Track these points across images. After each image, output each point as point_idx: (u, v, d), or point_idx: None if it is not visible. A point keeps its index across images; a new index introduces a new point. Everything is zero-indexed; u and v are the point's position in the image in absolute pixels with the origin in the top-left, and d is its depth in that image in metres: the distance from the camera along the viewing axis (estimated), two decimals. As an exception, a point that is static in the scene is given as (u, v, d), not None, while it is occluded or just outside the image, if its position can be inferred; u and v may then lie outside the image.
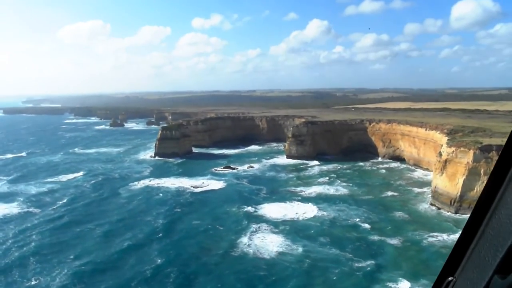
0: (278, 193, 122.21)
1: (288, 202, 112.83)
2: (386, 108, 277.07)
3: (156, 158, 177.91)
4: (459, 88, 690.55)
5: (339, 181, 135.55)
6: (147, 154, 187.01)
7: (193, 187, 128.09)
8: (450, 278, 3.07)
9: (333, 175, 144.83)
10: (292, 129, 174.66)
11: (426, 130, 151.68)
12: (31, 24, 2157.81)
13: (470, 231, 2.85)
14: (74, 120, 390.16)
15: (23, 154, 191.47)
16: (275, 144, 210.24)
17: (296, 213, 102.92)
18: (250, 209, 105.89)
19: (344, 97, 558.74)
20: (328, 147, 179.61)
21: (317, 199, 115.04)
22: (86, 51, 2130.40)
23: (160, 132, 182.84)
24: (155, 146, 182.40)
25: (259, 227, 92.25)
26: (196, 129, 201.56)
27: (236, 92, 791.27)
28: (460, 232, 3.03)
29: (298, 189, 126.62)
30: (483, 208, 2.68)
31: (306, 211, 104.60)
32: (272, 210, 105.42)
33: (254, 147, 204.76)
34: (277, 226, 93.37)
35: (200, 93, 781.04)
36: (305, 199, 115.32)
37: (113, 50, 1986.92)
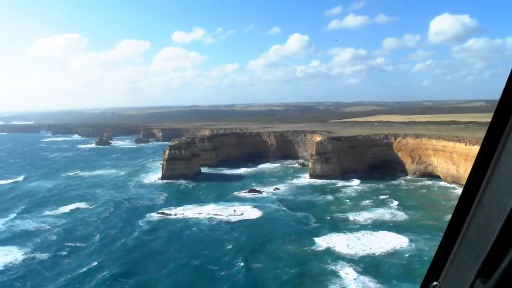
0: (329, 221, 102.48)
1: (347, 232, 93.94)
2: (390, 122, 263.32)
3: (164, 181, 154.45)
4: (433, 101, 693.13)
5: (387, 204, 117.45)
6: (152, 177, 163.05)
7: (226, 217, 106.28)
8: (434, 283, 3.03)
9: (373, 196, 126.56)
10: (316, 146, 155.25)
11: (466, 145, 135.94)
12: (2, 36, 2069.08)
13: (451, 235, 2.79)
14: (53, 139, 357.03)
15: (18, 179, 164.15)
16: (287, 162, 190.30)
17: (369, 247, 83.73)
18: (310, 244, 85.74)
19: (327, 111, 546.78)
20: (352, 164, 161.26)
21: (379, 227, 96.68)
22: (60, 65, 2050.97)
23: (167, 151, 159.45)
24: (163, 167, 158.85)
25: (343, 271, 71.79)
26: (203, 147, 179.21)
27: (214, 106, 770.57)
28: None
29: (348, 215, 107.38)
30: (462, 212, 2.65)
31: (380, 243, 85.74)
32: (338, 243, 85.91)
33: (265, 166, 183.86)
34: (363, 266, 73.43)
35: (177, 108, 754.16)
36: (366, 227, 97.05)
37: (88, 64, 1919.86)
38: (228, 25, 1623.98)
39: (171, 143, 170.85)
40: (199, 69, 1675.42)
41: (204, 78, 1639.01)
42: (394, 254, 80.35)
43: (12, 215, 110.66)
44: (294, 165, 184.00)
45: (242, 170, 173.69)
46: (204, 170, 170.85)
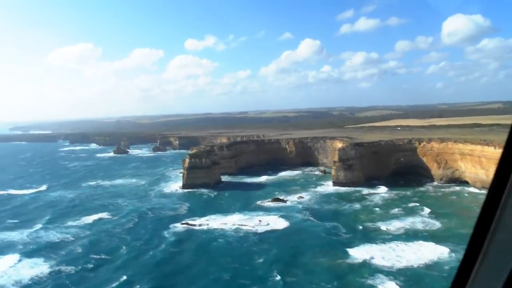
0: (360, 231, 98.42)
1: (380, 242, 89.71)
2: (409, 126, 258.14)
3: (185, 190, 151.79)
4: (447, 104, 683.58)
5: (418, 212, 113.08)
6: (173, 186, 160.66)
7: (252, 227, 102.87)
8: None
9: (402, 204, 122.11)
10: (338, 152, 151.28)
11: (495, 148, 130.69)
12: (20, 46, 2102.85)
13: (472, 253, 2.73)
14: (72, 148, 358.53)
15: (41, 189, 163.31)
16: (308, 169, 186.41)
17: (405, 259, 79.64)
18: (344, 256, 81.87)
19: (341, 116, 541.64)
20: (376, 170, 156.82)
21: (413, 236, 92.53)
22: (75, 75, 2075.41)
23: (187, 160, 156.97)
24: (183, 176, 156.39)
25: (383, 286, 67.79)
26: (222, 155, 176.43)
27: (227, 114, 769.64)
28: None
29: (378, 224, 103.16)
30: (482, 230, 2.57)
31: (416, 254, 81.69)
32: (373, 255, 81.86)
33: (286, 173, 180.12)
34: (403, 279, 69.34)
35: (191, 115, 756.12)
36: (399, 237, 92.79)
37: (102, 74, 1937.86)
38: (240, 32, 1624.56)
39: (190, 152, 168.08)
40: (212, 76, 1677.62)
41: (216, 85, 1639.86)
42: (434, 266, 76.11)
43: (37, 226, 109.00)
44: (315, 172, 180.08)
45: (263, 178, 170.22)
46: (224, 178, 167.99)
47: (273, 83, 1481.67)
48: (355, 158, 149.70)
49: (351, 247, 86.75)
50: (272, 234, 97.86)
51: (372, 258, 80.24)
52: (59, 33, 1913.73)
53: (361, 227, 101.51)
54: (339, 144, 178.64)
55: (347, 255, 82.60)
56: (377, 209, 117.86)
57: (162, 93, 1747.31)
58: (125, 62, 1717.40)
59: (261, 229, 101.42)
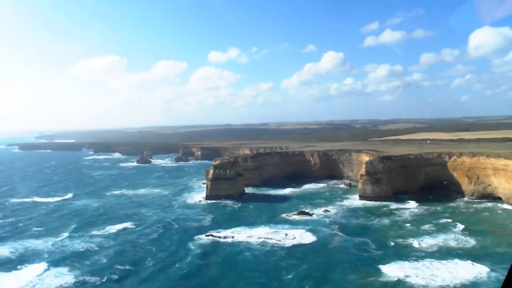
0: (391, 248, 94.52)
1: (413, 260, 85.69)
2: (436, 139, 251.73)
3: (209, 201, 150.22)
4: (473, 117, 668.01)
5: (450, 228, 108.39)
6: (196, 197, 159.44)
7: (279, 241, 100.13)
8: None
9: (433, 220, 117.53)
10: (366, 166, 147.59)
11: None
12: (47, 58, 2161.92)
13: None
14: (95, 157, 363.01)
15: (66, 197, 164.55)
16: (332, 182, 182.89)
17: (441, 278, 75.83)
18: (376, 273, 78.32)
19: (364, 129, 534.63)
20: (404, 185, 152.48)
21: (447, 254, 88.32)
22: (99, 86, 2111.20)
23: (211, 171, 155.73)
24: (207, 187, 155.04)
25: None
26: (246, 167, 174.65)
27: (248, 125, 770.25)
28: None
29: (409, 240, 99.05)
30: None
31: (452, 273, 77.65)
32: (406, 273, 78.08)
33: (310, 186, 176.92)
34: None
35: (212, 127, 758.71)
36: (432, 254, 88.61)
37: (126, 85, 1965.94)
38: (263, 44, 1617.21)
39: (213, 163, 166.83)
40: (233, 88, 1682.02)
41: (238, 97, 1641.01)
42: (471, 286, 72.08)
43: (62, 235, 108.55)
44: (340, 186, 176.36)
45: (287, 191, 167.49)
46: (248, 190, 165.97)
47: (295, 95, 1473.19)
48: (383, 172, 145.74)
49: (383, 264, 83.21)
50: (299, 248, 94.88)
51: (406, 276, 76.58)
52: (85, 46, 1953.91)
53: (392, 243, 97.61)
54: (365, 157, 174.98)
55: (379, 272, 79.11)
56: (407, 224, 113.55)
57: (184, 104, 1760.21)
58: (148, 74, 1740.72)
59: (288, 243, 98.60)
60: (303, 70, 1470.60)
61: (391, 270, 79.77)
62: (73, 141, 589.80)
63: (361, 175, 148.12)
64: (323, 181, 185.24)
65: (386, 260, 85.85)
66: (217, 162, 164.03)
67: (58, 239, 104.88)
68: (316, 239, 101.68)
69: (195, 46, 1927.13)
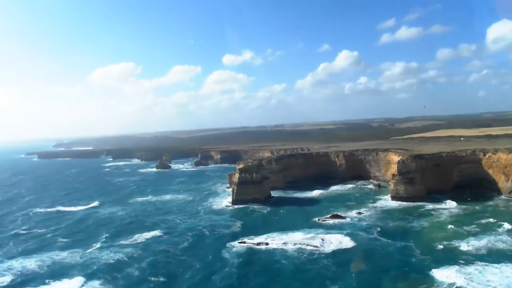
0: (437, 252, 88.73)
1: (464, 264, 80.00)
2: (464, 136, 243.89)
3: (235, 206, 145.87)
4: (492, 112, 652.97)
5: (494, 229, 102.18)
6: (221, 202, 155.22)
7: (317, 248, 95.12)
8: None
9: (474, 220, 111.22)
10: (398, 165, 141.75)
11: None
12: (64, 68, 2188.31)
13: None
14: (115, 163, 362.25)
15: (93, 205, 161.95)
16: (359, 183, 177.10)
17: (499, 284, 70.05)
18: (428, 280, 72.87)
19: (381, 128, 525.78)
20: (438, 184, 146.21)
21: (499, 257, 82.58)
22: (115, 93, 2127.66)
23: (237, 175, 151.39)
24: (233, 191, 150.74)
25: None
26: (271, 170, 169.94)
27: (263, 127, 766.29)
28: None
29: (454, 243, 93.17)
30: None
31: (510, 278, 71.78)
32: (460, 279, 72.39)
33: (337, 188, 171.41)
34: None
35: (227, 130, 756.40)
36: (483, 258, 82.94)
37: (141, 91, 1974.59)
38: (278, 45, 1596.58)
39: (238, 166, 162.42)
40: (247, 91, 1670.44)
41: (251, 100, 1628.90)
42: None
43: (90, 246, 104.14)
44: (369, 186, 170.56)
45: (314, 193, 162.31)
46: (273, 193, 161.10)
47: (309, 96, 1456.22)
48: (416, 171, 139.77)
49: (432, 269, 77.56)
50: (340, 255, 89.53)
51: (459, 282, 71.07)
52: (102, 54, 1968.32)
53: (437, 246, 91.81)
54: (394, 157, 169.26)
55: (430, 279, 73.64)
56: (449, 226, 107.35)
57: (198, 108, 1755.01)
58: (163, 79, 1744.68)
59: (327, 249, 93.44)
60: (317, 70, 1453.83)
61: (443, 276, 74.19)
62: (91, 148, 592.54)
63: (393, 175, 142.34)
64: (349, 182, 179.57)
65: (434, 265, 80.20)
66: (242, 166, 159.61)
67: (86, 251, 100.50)
68: (355, 244, 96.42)
69: (209, 50, 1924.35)
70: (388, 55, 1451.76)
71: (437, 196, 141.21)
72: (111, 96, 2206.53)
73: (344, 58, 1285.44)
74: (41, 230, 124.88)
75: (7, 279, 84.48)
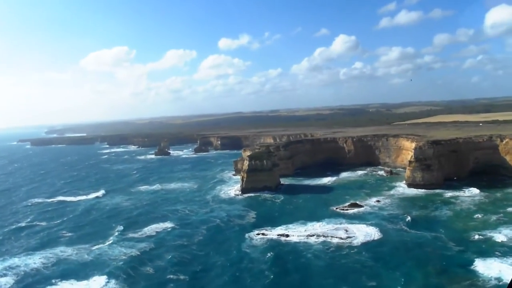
0: (470, 243, 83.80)
1: (501, 256, 75.07)
2: (468, 122, 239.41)
3: (245, 195, 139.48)
4: (487, 98, 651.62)
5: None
6: (230, 190, 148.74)
7: (343, 240, 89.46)
8: None
9: (500, 209, 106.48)
10: (415, 152, 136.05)
11: None
12: (56, 53, 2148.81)
13: None
14: (111, 150, 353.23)
15: (98, 194, 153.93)
16: (369, 169, 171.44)
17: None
18: (471, 275, 67.72)
19: (378, 113, 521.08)
20: (454, 171, 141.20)
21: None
22: (108, 78, 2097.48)
23: (246, 162, 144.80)
24: (242, 179, 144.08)
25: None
26: (279, 156, 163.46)
27: (258, 113, 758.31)
28: None
29: (486, 233, 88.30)
30: None
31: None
32: (505, 273, 67.30)
33: (347, 174, 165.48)
34: None
35: (222, 115, 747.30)
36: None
37: (135, 76, 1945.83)
38: (276, 29, 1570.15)
39: (246, 153, 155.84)
40: (242, 76, 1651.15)
41: (246, 85, 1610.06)
42: None
43: (99, 242, 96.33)
44: (380, 173, 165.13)
45: (325, 180, 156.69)
46: (282, 180, 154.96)
47: (304, 81, 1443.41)
48: (433, 158, 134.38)
49: (472, 263, 72.58)
50: (371, 248, 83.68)
51: (507, 277, 65.81)
52: (94, 37, 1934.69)
53: (470, 237, 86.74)
54: (405, 142, 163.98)
55: (474, 273, 68.57)
56: (476, 215, 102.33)
57: (192, 94, 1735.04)
58: (157, 64, 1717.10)
59: (355, 242, 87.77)
60: (313, 55, 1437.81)
61: (486, 270, 69.13)
62: (84, 134, 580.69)
63: (410, 161, 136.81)
64: (359, 168, 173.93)
65: (473, 258, 75.13)
66: (251, 153, 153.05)
67: (95, 247, 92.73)
68: (382, 236, 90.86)
69: (205, 34, 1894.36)
70: (386, 40, 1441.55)
71: (454, 183, 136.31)
72: (104, 81, 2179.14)
73: (341, 42, 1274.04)
74: (44, 223, 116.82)
75: (9, 280, 76.81)
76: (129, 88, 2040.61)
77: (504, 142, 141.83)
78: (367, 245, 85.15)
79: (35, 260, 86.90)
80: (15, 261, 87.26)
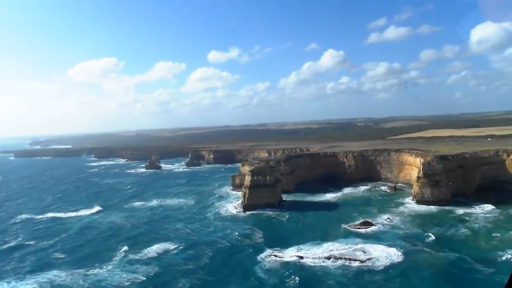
0: (499, 264, 78.84)
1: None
2: (464, 136, 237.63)
3: (248, 212, 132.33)
4: (471, 113, 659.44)
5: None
6: (230, 207, 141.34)
7: (363, 264, 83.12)
8: None
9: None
10: (423, 167, 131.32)
11: None
12: (43, 62, 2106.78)
13: None
14: (99, 163, 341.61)
15: (93, 211, 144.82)
16: (371, 185, 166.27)
17: None
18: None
19: (367, 127, 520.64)
20: (461, 187, 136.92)
21: None
22: (95, 89, 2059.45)
23: (249, 177, 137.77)
24: (244, 195, 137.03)
25: None
26: (281, 171, 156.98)
27: (246, 126, 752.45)
28: None
29: (506, 254, 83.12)
30: None
31: None
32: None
33: (350, 190, 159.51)
34: None
35: (210, 128, 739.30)
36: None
37: (122, 88, 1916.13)
38: (266, 43, 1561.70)
39: (246, 168, 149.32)
40: (230, 89, 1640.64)
41: (233, 98, 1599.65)
42: None
43: (96, 265, 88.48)
44: (383, 188, 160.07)
45: (328, 196, 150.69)
46: (284, 196, 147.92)
47: (291, 95, 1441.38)
48: (442, 173, 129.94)
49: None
50: (395, 272, 77.51)
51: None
52: (82, 49, 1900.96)
53: (495, 258, 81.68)
54: (408, 157, 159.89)
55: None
56: (494, 234, 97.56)
57: (179, 106, 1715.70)
58: (145, 76, 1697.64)
59: (376, 264, 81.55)
60: (302, 69, 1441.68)
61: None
62: (70, 146, 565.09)
63: (418, 177, 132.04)
64: (360, 184, 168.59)
65: (503, 281, 69.58)
66: (252, 167, 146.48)
67: (92, 271, 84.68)
68: (404, 257, 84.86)
69: (195, 47, 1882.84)
70: (374, 55, 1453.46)
71: (461, 199, 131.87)
72: (90, 92, 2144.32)
73: (330, 57, 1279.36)
74: (36, 244, 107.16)
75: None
76: (115, 100, 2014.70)
77: (510, 157, 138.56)
78: (391, 269, 78.90)
79: (26, 287, 78.58)
80: (4, 286, 78.88)
